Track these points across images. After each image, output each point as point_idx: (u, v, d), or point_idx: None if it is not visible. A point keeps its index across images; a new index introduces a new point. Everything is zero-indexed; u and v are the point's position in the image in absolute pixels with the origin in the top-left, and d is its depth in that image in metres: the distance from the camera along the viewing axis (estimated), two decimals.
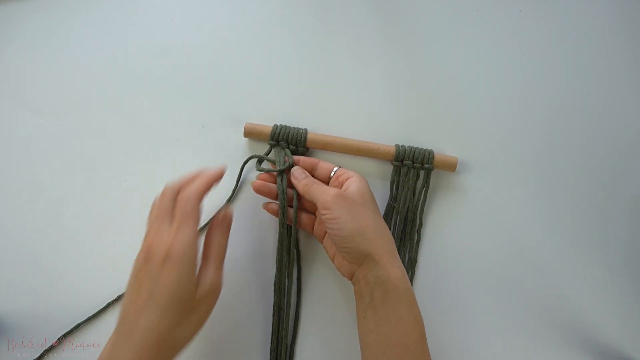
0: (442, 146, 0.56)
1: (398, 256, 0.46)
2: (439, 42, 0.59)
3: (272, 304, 0.53)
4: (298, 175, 0.51)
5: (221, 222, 0.46)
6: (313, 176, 0.52)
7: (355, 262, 0.46)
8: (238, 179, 0.55)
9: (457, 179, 0.56)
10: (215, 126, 0.58)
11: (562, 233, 0.55)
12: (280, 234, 0.52)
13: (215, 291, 0.41)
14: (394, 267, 0.44)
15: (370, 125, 0.58)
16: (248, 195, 0.56)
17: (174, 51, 0.60)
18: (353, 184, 0.49)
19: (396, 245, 0.54)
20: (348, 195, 0.47)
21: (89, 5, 0.61)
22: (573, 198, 0.56)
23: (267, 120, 0.58)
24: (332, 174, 0.52)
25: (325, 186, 0.49)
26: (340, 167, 0.52)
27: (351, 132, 0.56)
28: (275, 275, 0.53)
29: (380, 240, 0.45)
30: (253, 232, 0.56)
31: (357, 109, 0.58)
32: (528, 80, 0.58)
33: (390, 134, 0.57)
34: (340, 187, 0.50)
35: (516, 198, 0.56)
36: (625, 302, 0.54)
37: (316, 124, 0.57)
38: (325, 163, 0.53)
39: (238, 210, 0.56)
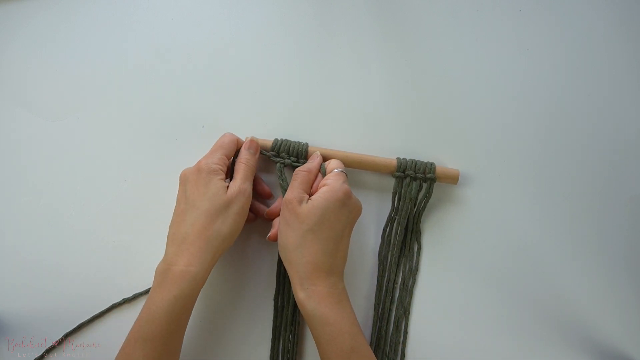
0: (443, 158, 0.56)
1: (320, 278, 0.46)
2: (439, 42, 0.59)
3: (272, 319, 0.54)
4: (312, 158, 0.53)
5: (248, 146, 0.52)
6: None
7: None
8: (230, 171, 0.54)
9: (459, 191, 0.56)
10: (215, 126, 0.58)
11: (562, 235, 0.55)
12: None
13: (242, 193, 0.48)
14: (302, 289, 0.46)
15: (370, 137, 0.57)
16: None
17: (174, 51, 0.60)
18: (318, 195, 0.48)
19: (396, 255, 0.54)
20: (297, 205, 0.47)
21: (88, 6, 0.61)
22: (573, 200, 0.56)
23: (267, 122, 0.58)
24: (328, 171, 0.51)
25: (294, 185, 0.49)
26: (342, 171, 0.51)
27: (351, 144, 0.56)
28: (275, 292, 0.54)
29: (297, 261, 0.46)
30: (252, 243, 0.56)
31: (357, 118, 0.58)
32: (528, 80, 0.58)
33: (391, 147, 0.57)
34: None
35: (516, 201, 0.56)
36: (625, 302, 0.54)
37: (316, 131, 0.57)
38: (335, 162, 0.52)
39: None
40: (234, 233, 0.48)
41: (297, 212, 0.47)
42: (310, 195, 0.50)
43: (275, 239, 0.50)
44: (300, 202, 0.47)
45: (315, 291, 0.46)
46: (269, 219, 0.54)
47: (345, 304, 0.47)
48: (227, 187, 0.49)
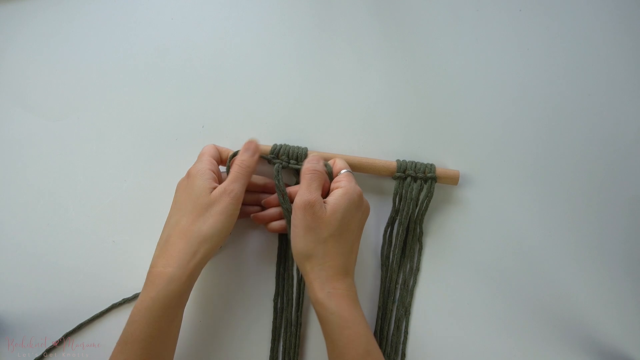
0: (443, 160, 0.56)
1: (339, 280, 0.46)
2: (439, 42, 0.59)
3: (272, 319, 0.54)
4: (311, 159, 0.50)
5: (246, 147, 0.51)
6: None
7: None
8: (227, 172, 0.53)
9: (459, 192, 0.56)
10: (215, 126, 0.58)
11: (562, 235, 0.55)
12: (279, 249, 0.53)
13: (226, 193, 0.47)
14: (322, 290, 0.45)
15: (370, 139, 0.57)
16: None
17: (174, 51, 0.60)
18: (336, 197, 0.47)
19: (398, 256, 0.54)
20: (319, 209, 0.46)
21: (89, 6, 0.61)
22: (573, 200, 0.56)
23: (267, 123, 0.58)
24: (338, 173, 0.51)
25: (311, 186, 0.47)
26: (349, 171, 0.51)
27: (350, 146, 0.56)
28: (275, 292, 0.54)
29: (319, 266, 0.46)
30: (251, 245, 0.56)
31: (357, 120, 0.58)
32: (528, 80, 0.58)
33: (391, 149, 0.57)
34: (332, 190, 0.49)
35: (516, 201, 0.56)
36: (625, 302, 0.54)
37: (315, 133, 0.57)
38: (341, 162, 0.52)
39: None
40: (217, 233, 0.46)
41: (320, 216, 0.46)
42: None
43: (276, 231, 0.51)
44: (321, 205, 0.46)
45: (336, 294, 0.45)
46: (267, 207, 0.53)
47: (358, 305, 0.47)
48: (214, 188, 0.48)
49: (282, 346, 0.53)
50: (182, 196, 0.48)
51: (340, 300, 0.45)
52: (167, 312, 0.44)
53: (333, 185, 0.50)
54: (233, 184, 0.48)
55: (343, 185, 0.48)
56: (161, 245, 0.47)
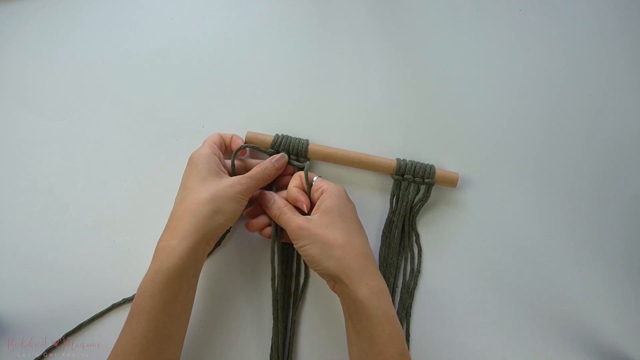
0: (442, 159, 0.56)
1: (373, 272, 0.46)
2: (439, 42, 0.59)
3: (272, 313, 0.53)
4: (267, 203, 0.52)
5: (276, 160, 0.53)
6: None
7: (330, 280, 0.48)
8: (233, 169, 0.54)
9: (459, 192, 0.56)
10: (215, 126, 0.58)
11: (562, 235, 0.55)
12: (272, 251, 0.52)
13: (241, 184, 0.49)
14: (362, 286, 0.44)
15: (370, 136, 0.57)
16: None
17: (174, 51, 0.60)
18: (325, 201, 0.49)
19: (395, 258, 0.54)
20: (307, 223, 0.47)
21: (89, 6, 0.61)
22: (573, 200, 0.56)
23: (267, 123, 0.58)
24: (312, 182, 0.52)
25: (291, 214, 0.49)
26: (319, 177, 0.52)
27: (351, 144, 0.56)
28: (272, 290, 0.54)
29: (347, 260, 0.45)
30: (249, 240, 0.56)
31: (357, 118, 0.58)
32: (528, 80, 0.58)
33: (392, 147, 0.57)
34: (317, 199, 0.50)
35: (516, 201, 0.56)
36: (625, 302, 0.54)
37: (316, 132, 0.57)
38: (310, 175, 0.53)
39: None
40: (224, 215, 0.47)
41: (312, 228, 0.47)
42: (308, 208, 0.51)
43: (268, 236, 0.52)
44: (307, 219, 0.48)
45: (375, 287, 0.45)
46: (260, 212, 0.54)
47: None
48: (221, 171, 0.50)
49: (283, 345, 0.53)
50: (187, 177, 0.50)
51: (381, 295, 0.45)
52: (170, 285, 0.44)
53: (316, 194, 0.51)
54: (249, 179, 0.50)
55: (325, 187, 0.50)
56: (168, 222, 0.48)
